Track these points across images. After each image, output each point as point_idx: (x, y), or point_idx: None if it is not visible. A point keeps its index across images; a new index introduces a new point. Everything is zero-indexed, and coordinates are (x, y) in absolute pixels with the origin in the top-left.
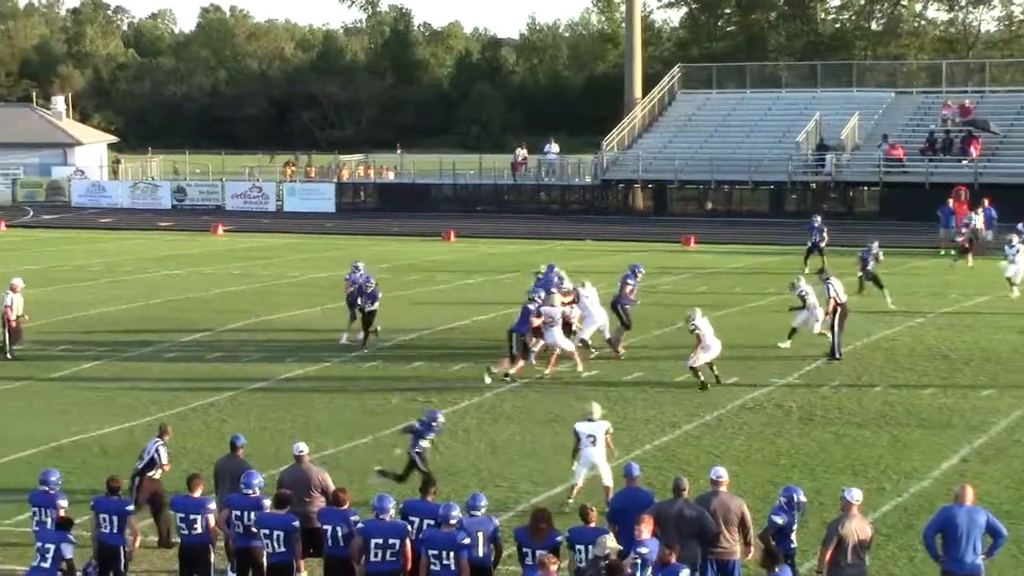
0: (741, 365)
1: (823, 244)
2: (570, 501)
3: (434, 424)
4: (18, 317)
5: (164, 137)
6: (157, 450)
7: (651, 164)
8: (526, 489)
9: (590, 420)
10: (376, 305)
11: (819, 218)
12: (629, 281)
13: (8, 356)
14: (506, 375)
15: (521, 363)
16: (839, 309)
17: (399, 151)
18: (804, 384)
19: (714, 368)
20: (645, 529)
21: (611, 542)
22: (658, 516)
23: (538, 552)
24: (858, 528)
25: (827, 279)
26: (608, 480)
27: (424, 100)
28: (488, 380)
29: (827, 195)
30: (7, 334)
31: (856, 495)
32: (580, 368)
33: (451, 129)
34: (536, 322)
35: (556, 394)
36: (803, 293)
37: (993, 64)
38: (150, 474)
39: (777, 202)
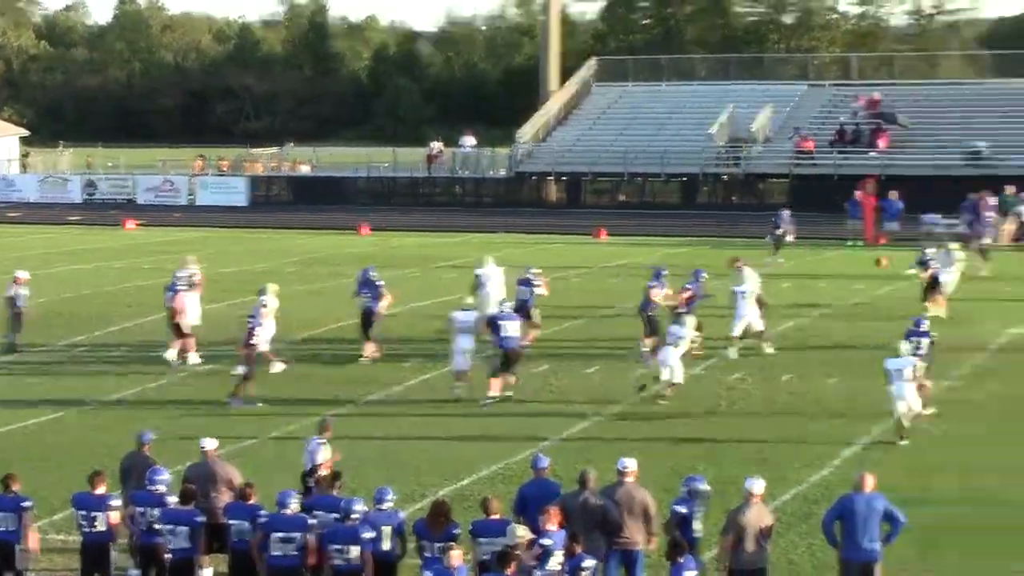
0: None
1: (788, 238)
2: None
3: None
4: (23, 309)
5: (78, 130)
6: (317, 449)
7: (565, 156)
8: (432, 482)
9: (897, 356)
10: None
11: (788, 212)
12: (652, 284)
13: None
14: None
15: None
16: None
17: (291, 145)
18: (709, 375)
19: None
20: (550, 520)
21: (521, 531)
22: (564, 507)
23: (437, 545)
24: (758, 517)
25: (740, 268)
26: (917, 406)
27: (342, 93)
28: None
29: (739, 187)
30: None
31: (757, 484)
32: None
33: (369, 122)
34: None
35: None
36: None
37: (902, 57)
38: (315, 474)
39: (689, 194)
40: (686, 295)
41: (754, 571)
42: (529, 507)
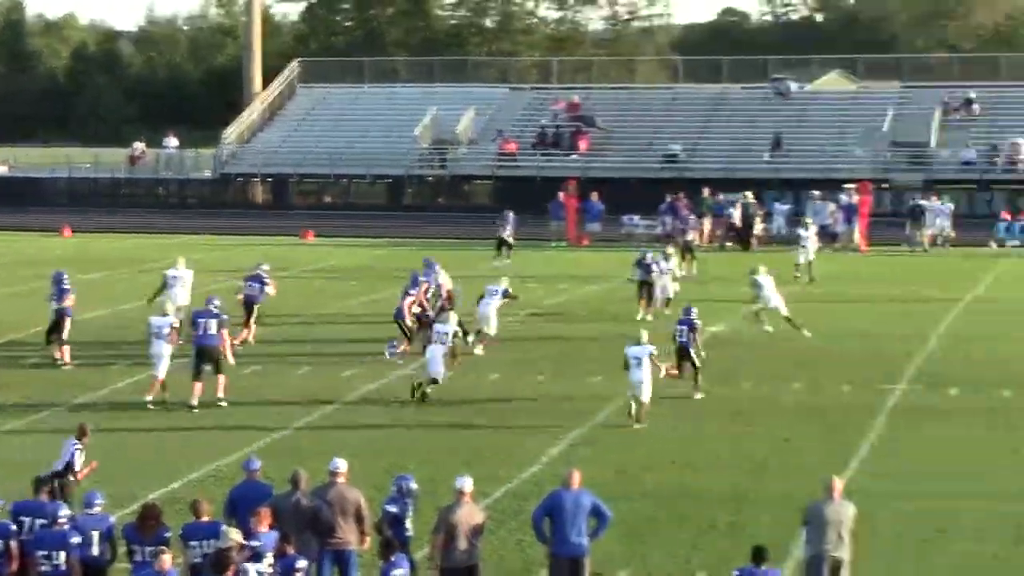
0: (361, 357)
1: (510, 239)
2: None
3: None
4: None
5: None
6: (73, 453)
7: (271, 158)
8: (142, 485)
9: (638, 344)
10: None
11: (511, 213)
12: (411, 292)
13: None
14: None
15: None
16: (449, 294)
17: None
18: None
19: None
20: (261, 522)
21: (235, 534)
22: (276, 509)
23: (147, 549)
24: (469, 515)
25: (429, 267)
26: (646, 397)
27: (39, 91)
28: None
29: (444, 188)
30: None
31: (467, 483)
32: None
33: (69, 122)
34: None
35: (179, 389)
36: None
37: (599, 62)
38: (67, 477)
39: (395, 195)
40: (423, 287)
41: (466, 569)
42: (240, 509)
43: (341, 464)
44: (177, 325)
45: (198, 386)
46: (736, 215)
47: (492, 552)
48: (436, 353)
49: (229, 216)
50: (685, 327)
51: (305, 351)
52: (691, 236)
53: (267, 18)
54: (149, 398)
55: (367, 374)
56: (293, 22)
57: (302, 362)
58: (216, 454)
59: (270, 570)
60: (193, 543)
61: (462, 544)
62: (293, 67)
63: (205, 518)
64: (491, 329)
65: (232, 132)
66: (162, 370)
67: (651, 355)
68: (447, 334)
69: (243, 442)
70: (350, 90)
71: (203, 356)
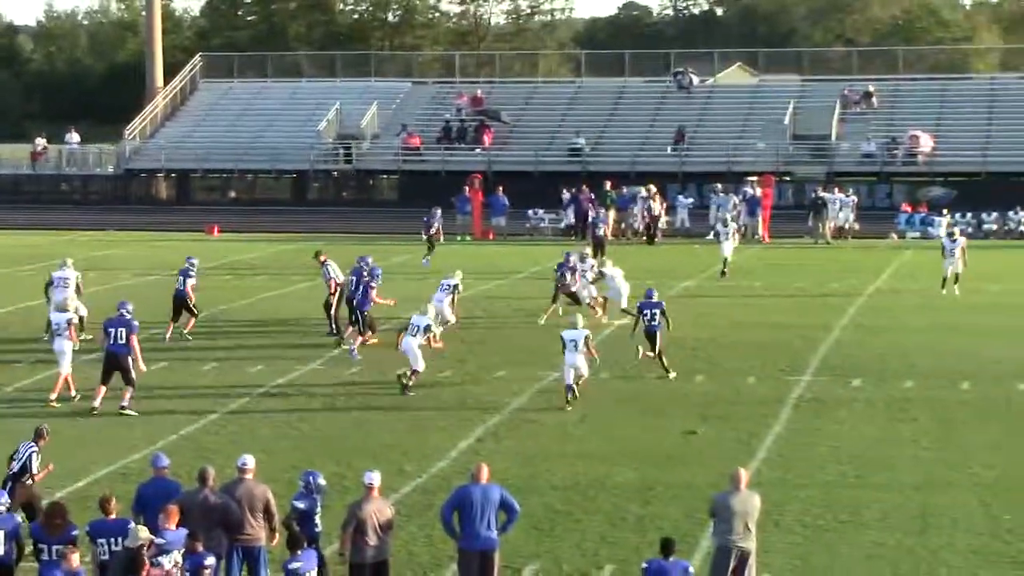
0: (267, 352)
1: (424, 235)
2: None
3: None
4: None
5: None
6: (30, 456)
7: (174, 153)
8: (49, 484)
9: (574, 328)
10: None
11: (439, 211)
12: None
13: None
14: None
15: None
16: (340, 289)
17: None
18: (325, 369)
19: None
20: (169, 519)
21: (144, 532)
22: (184, 506)
23: (55, 547)
24: (378, 510)
25: (324, 262)
26: (583, 376)
27: None
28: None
29: (349, 183)
30: None
31: (375, 478)
32: None
33: None
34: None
35: (85, 384)
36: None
37: (502, 56)
38: (23, 480)
39: (299, 191)
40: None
41: (375, 564)
42: (148, 506)
43: (249, 460)
44: (76, 321)
45: (103, 389)
46: (657, 208)
47: (401, 547)
48: (411, 344)
49: (133, 212)
50: (657, 310)
51: (211, 346)
52: (602, 231)
53: (168, 13)
54: (54, 396)
55: (274, 370)
56: (194, 17)
57: (208, 358)
58: (124, 451)
59: (176, 567)
60: (101, 541)
61: (372, 539)
62: (195, 62)
63: (113, 515)
64: (440, 324)
65: (135, 128)
66: (66, 366)
67: (586, 338)
68: (419, 327)
69: (151, 439)
70: (253, 85)
71: (112, 363)
